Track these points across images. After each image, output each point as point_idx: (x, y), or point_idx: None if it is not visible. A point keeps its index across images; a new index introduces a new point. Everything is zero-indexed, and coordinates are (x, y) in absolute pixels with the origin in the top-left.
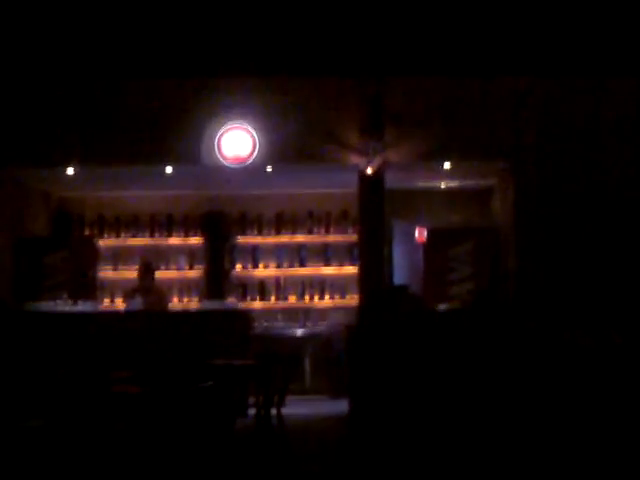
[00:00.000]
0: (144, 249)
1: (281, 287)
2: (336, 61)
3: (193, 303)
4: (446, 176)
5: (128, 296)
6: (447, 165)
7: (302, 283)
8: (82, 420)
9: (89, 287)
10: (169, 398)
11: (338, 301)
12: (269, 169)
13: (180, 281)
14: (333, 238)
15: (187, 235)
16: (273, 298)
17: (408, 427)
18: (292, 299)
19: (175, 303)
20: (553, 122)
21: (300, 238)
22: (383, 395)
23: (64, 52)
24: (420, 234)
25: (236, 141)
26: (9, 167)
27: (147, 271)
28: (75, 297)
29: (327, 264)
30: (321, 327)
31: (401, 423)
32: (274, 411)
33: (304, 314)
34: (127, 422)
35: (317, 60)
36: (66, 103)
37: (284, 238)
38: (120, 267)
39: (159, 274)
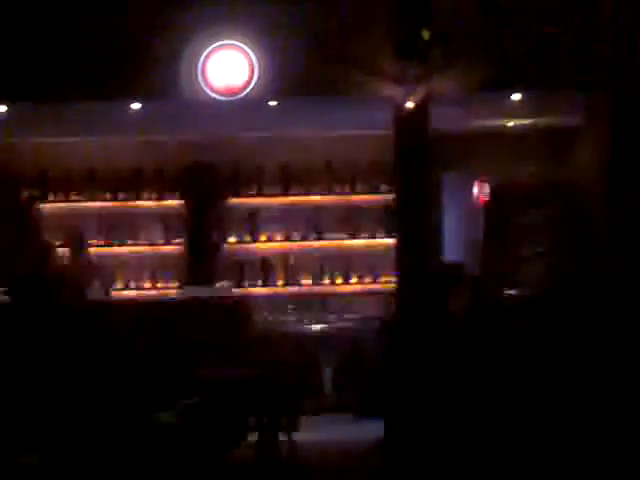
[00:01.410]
0: (104, 215)
1: (291, 266)
2: None
3: (170, 289)
4: (514, 112)
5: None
6: (515, 97)
7: (320, 261)
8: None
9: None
10: (141, 422)
11: (368, 285)
12: (272, 104)
13: (153, 259)
14: (361, 198)
15: (161, 196)
16: (280, 282)
17: (462, 458)
18: (306, 283)
19: (145, 289)
20: None
21: (316, 199)
22: (429, 414)
23: None
24: (480, 192)
25: (227, 65)
26: None
27: (81, 245)
28: (7, 283)
29: (353, 235)
30: (346, 321)
31: (452, 452)
32: (283, 436)
33: (323, 304)
34: (91, 454)
35: None
36: None
37: (294, 199)
38: None
39: (125, 249)
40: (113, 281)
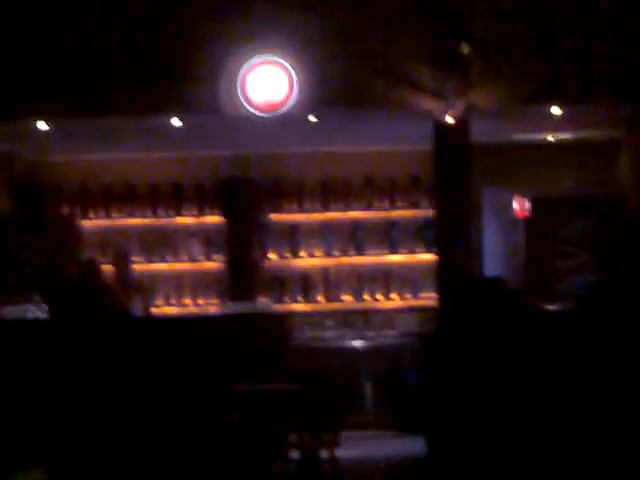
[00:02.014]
0: (144, 232)
1: (331, 282)
2: None
3: (211, 305)
4: (555, 125)
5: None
6: (556, 110)
7: (359, 276)
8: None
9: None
10: (182, 438)
11: (409, 301)
12: (312, 119)
13: (193, 275)
14: (400, 214)
15: (202, 212)
16: (321, 297)
17: (507, 473)
18: (346, 298)
19: (186, 306)
20: None
21: (356, 214)
22: (472, 431)
23: None
24: (520, 206)
25: (267, 81)
26: None
27: (124, 263)
28: (50, 299)
29: (393, 250)
30: (386, 337)
31: (496, 469)
32: (324, 453)
33: (363, 319)
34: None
35: None
36: (32, 33)
37: (334, 215)
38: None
39: (165, 266)
40: (154, 298)
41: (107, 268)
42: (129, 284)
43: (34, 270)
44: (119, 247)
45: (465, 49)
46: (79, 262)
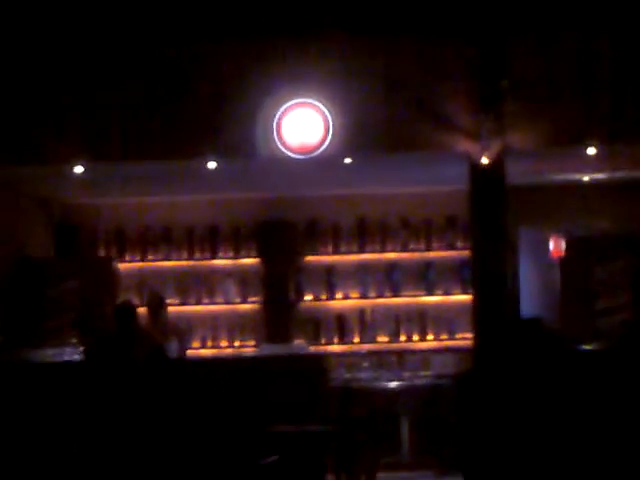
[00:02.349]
0: (180, 274)
1: (367, 323)
2: (437, 13)
3: (248, 347)
4: (591, 166)
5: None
6: (591, 150)
7: (396, 317)
8: None
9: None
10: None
11: (445, 341)
12: (347, 161)
13: (230, 317)
14: (437, 254)
15: (238, 254)
16: (356, 338)
17: None
18: (383, 339)
19: (223, 348)
20: None
21: (392, 255)
22: (511, 472)
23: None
24: (556, 246)
25: (302, 123)
26: None
27: (161, 306)
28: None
29: (429, 291)
30: (422, 378)
31: None
32: None
33: (399, 360)
34: None
35: (411, 14)
36: (71, 78)
37: (370, 256)
38: None
39: (201, 308)
40: (190, 340)
41: (143, 310)
42: (165, 327)
43: (72, 312)
44: (155, 291)
45: (502, 88)
46: (116, 304)
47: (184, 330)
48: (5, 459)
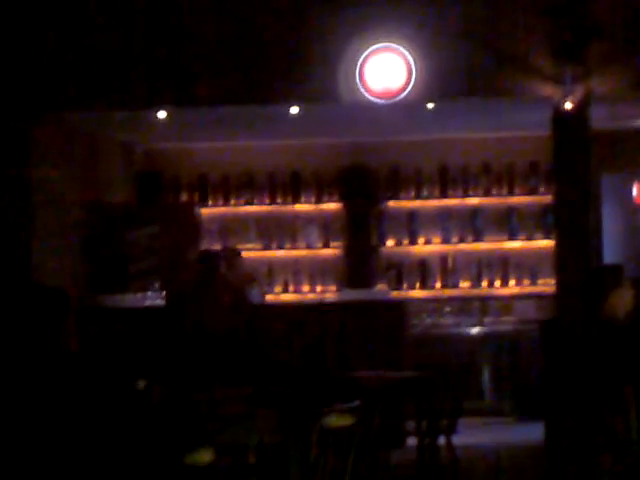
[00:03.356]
0: (262, 219)
1: (449, 269)
2: None
3: (329, 293)
4: None
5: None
6: None
7: (478, 263)
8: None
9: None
10: (299, 426)
11: (527, 287)
12: (430, 106)
13: (311, 263)
14: (519, 200)
15: (320, 200)
16: (438, 284)
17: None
18: (464, 285)
19: (305, 293)
20: None
21: (474, 201)
22: (591, 417)
23: None
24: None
25: (385, 68)
26: (77, 110)
27: (236, 256)
28: (170, 287)
29: (512, 236)
30: (504, 324)
31: (614, 453)
32: (442, 440)
33: (481, 306)
34: (236, 453)
35: None
36: (153, 20)
37: (452, 201)
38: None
39: (283, 253)
40: (271, 285)
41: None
42: (241, 276)
43: (153, 257)
44: (232, 246)
45: (586, 30)
46: (199, 251)
47: (260, 280)
48: (85, 403)
